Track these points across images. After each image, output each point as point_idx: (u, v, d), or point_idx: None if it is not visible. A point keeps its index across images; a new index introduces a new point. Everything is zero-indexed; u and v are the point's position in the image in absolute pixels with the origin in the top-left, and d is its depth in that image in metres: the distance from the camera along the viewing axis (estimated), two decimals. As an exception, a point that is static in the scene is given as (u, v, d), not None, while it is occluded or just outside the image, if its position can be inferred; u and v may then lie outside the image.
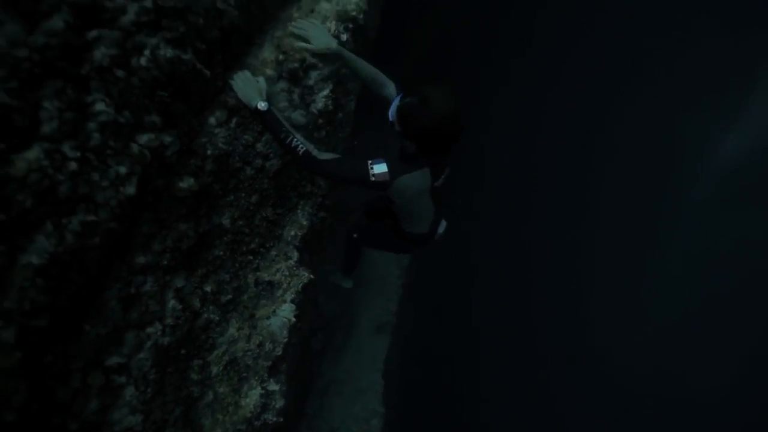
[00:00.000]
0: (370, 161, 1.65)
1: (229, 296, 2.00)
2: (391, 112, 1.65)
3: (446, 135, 1.55)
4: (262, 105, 1.64)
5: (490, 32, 5.72)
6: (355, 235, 2.52)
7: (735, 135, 7.24)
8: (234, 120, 1.82)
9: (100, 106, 1.29)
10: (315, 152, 1.63)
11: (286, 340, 2.07)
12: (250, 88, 1.71)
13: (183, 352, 1.80)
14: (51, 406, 1.31)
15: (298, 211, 2.32)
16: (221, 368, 1.99)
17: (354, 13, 2.14)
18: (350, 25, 2.15)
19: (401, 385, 6.11)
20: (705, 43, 6.76)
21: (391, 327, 6.87)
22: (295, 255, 2.21)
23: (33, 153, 1.13)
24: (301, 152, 1.62)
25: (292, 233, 2.28)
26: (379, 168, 1.64)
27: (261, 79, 1.78)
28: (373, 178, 1.63)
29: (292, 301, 2.12)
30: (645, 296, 7.92)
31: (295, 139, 1.62)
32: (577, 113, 6.67)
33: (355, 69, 1.93)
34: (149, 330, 1.63)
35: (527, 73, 6.16)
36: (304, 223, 2.30)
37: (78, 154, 1.23)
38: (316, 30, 1.94)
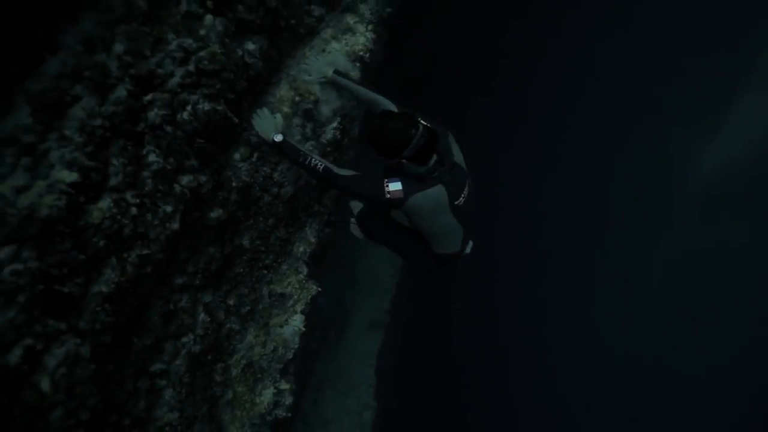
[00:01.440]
0: (386, 179, 1.77)
1: (248, 307, 2.29)
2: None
3: (395, 146, 1.71)
4: (278, 138, 1.87)
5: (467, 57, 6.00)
6: (366, 226, 2.40)
7: (717, 146, 7.65)
8: (255, 155, 2.09)
9: (152, 157, 1.56)
10: (334, 168, 1.80)
11: (297, 346, 2.38)
12: (268, 124, 1.95)
13: (209, 357, 2.10)
14: (111, 406, 1.60)
15: (307, 228, 2.61)
16: (240, 370, 2.29)
17: (362, 53, 2.41)
18: (358, 64, 2.43)
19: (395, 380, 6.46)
20: (686, 55, 7.11)
21: (384, 325, 7.20)
22: (305, 270, 2.51)
23: (105, 203, 1.41)
24: (321, 168, 1.79)
25: (302, 249, 2.57)
26: (394, 186, 1.76)
27: (278, 116, 2.04)
28: (388, 196, 1.75)
29: (303, 312, 2.42)
30: (629, 306, 8.36)
31: (313, 159, 1.81)
32: (558, 123, 6.97)
33: (353, 93, 2.17)
34: (184, 340, 1.92)
35: (506, 85, 6.42)
36: (312, 240, 2.59)
37: (137, 200, 1.50)
38: (316, 64, 2.21)
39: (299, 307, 2.44)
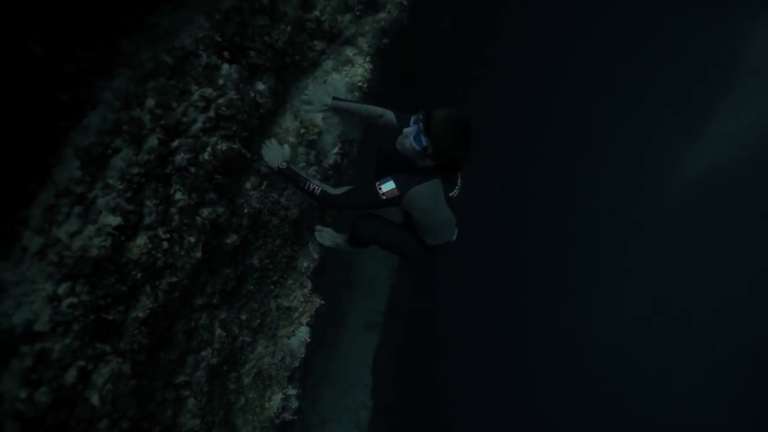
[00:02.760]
0: (377, 183, 1.89)
1: (258, 321, 2.53)
2: (415, 138, 1.82)
3: (466, 148, 1.80)
4: (283, 165, 2.11)
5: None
6: (361, 232, 2.47)
7: (700, 147, 8.01)
8: (264, 183, 2.32)
9: (178, 195, 1.79)
10: (330, 190, 2.01)
11: (303, 355, 2.63)
12: (275, 153, 2.18)
13: (225, 368, 2.34)
14: (144, 415, 1.83)
15: (309, 245, 2.85)
16: (251, 379, 2.54)
17: (360, 83, 2.64)
18: (356, 93, 2.66)
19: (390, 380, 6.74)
20: (672, 57, 7.41)
21: (380, 326, 7.49)
22: (309, 284, 2.76)
23: (141, 240, 1.64)
24: (318, 193, 2.01)
25: (305, 265, 2.81)
26: (387, 186, 1.87)
27: (286, 146, 2.28)
28: (384, 197, 1.87)
29: (308, 324, 2.67)
30: (615, 303, 8.73)
31: (312, 184, 2.03)
32: (540, 128, 7.22)
33: (353, 113, 2.43)
34: (203, 353, 2.16)
35: (489, 88, 6.62)
36: (315, 256, 2.83)
37: (167, 235, 1.73)
38: (316, 93, 2.45)
39: (304, 319, 2.68)
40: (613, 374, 8.42)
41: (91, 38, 1.62)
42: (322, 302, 2.77)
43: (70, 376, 1.47)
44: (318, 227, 2.76)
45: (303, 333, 2.63)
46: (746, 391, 7.95)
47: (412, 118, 1.92)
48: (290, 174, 2.09)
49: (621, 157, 7.58)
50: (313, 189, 2.03)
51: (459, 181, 2.05)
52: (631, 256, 8.62)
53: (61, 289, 1.43)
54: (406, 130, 1.91)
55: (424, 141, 1.80)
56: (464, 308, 7.44)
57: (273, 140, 2.26)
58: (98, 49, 1.65)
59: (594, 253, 8.29)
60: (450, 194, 1.99)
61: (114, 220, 1.52)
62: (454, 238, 2.38)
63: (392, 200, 1.90)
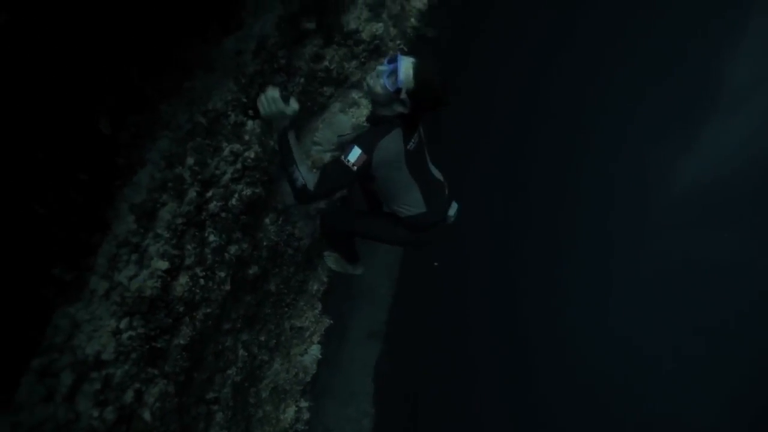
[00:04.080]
0: (342, 157, 1.82)
1: (274, 341, 2.85)
2: (388, 76, 1.80)
3: (446, 89, 1.81)
4: (284, 129, 1.94)
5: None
6: (329, 223, 2.58)
7: (695, 159, 8.38)
8: (281, 218, 2.65)
9: (212, 238, 2.11)
10: (308, 184, 1.91)
11: (315, 371, 2.95)
12: (278, 109, 1.97)
13: (246, 384, 2.66)
14: (182, 428, 2.15)
15: (319, 269, 3.18)
16: (268, 393, 2.86)
17: (365, 123, 2.97)
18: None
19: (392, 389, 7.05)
20: (667, 71, 7.78)
21: (382, 335, 7.79)
22: (319, 306, 3.08)
23: (184, 279, 1.96)
24: (299, 186, 1.92)
25: (315, 287, 3.14)
26: (353, 155, 1.80)
27: (293, 101, 2.01)
28: (355, 168, 1.79)
29: (319, 342, 2.99)
30: (611, 314, 9.05)
31: (297, 172, 1.92)
32: (533, 141, 7.55)
33: None
34: (229, 372, 2.48)
35: (479, 97, 6.93)
36: (324, 279, 3.16)
37: (203, 273, 2.05)
38: (325, 135, 2.77)
39: (316, 338, 3.01)
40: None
41: (139, 105, 1.95)
42: (331, 321, 3.09)
43: (128, 396, 1.79)
44: (326, 253, 3.08)
45: (315, 351, 2.95)
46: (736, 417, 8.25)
47: (386, 59, 1.86)
48: (284, 148, 1.96)
49: (610, 177, 7.93)
50: (296, 178, 1.94)
51: (418, 134, 1.99)
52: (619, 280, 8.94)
53: (122, 324, 1.75)
54: (379, 68, 1.86)
55: (400, 81, 1.76)
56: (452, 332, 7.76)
57: (275, 91, 1.98)
58: (145, 114, 1.98)
59: (580, 276, 8.62)
60: (407, 147, 1.94)
61: (163, 265, 1.84)
62: (452, 213, 2.30)
63: (364, 167, 1.82)
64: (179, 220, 1.93)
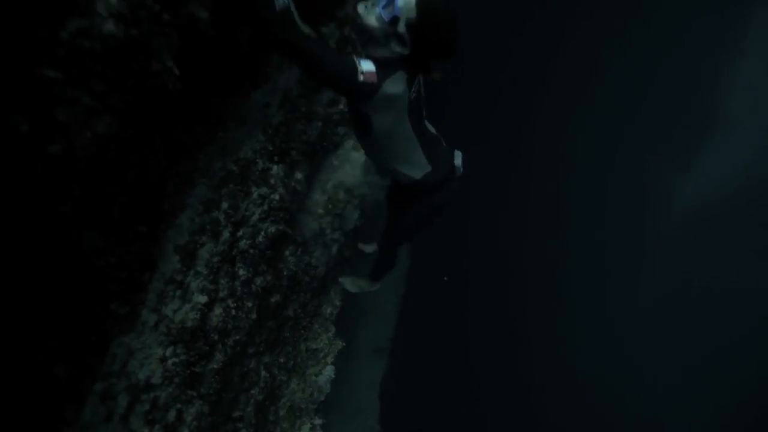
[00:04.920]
0: (355, 57, 1.49)
1: (292, 362, 3.12)
2: (385, 6, 1.50)
3: (454, 28, 1.52)
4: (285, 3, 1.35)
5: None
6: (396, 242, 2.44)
7: (689, 185, 8.62)
8: (300, 249, 2.94)
9: (241, 272, 2.40)
10: (296, 15, 1.38)
11: (329, 390, 3.21)
12: None
13: (266, 402, 2.92)
14: (212, 444, 2.42)
15: (332, 293, 3.45)
16: (285, 411, 3.12)
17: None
18: (374, 168, 3.29)
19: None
20: (667, 87, 8.06)
21: (388, 351, 8.01)
22: (333, 329, 3.35)
23: (218, 310, 2.24)
24: (310, 48, 1.39)
25: (329, 311, 3.41)
26: (368, 66, 1.47)
27: None
28: (361, 77, 1.46)
29: (332, 363, 3.25)
30: (617, 333, 9.19)
31: (310, 42, 1.43)
32: (534, 153, 7.76)
33: None
34: (252, 392, 2.74)
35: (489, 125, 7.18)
36: (338, 303, 3.43)
37: (234, 304, 2.34)
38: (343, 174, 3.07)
39: (329, 359, 3.27)
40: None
41: (181, 155, 2.25)
42: (344, 344, 3.36)
43: (171, 415, 2.06)
44: (341, 278, 3.30)
45: (329, 371, 3.21)
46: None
47: None
48: (287, 21, 1.38)
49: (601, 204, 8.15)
50: (311, 48, 1.42)
51: (418, 83, 1.69)
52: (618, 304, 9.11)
53: (168, 352, 2.03)
54: None
55: (397, 9, 1.48)
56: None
57: None
58: (184, 164, 2.29)
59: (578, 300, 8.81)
60: (410, 97, 1.66)
61: (202, 299, 2.13)
62: (459, 163, 2.05)
63: (365, 88, 1.49)
64: (215, 258, 2.22)
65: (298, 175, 2.77)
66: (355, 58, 1.49)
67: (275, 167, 2.55)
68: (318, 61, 1.43)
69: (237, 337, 2.40)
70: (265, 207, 2.48)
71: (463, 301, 8.05)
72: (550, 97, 7.48)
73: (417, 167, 1.91)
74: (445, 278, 8.23)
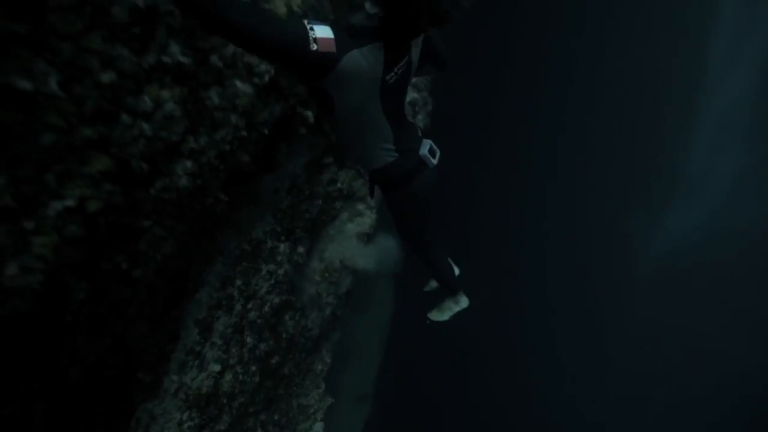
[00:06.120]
0: (306, 21, 1.23)
1: (285, 419, 3.43)
2: None
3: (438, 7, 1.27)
4: None
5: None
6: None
7: (662, 232, 9.41)
8: (297, 315, 3.32)
9: (249, 340, 2.76)
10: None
11: (318, 445, 3.51)
12: None
13: (261, 458, 3.20)
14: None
15: (323, 351, 3.81)
16: (277, 465, 3.38)
17: (367, 230, 3.74)
18: (365, 238, 3.75)
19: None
20: (636, 143, 8.90)
21: (371, 397, 8.19)
22: (323, 385, 3.68)
23: (229, 376, 2.59)
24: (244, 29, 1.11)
25: (320, 368, 3.75)
26: (322, 31, 1.21)
27: None
28: (314, 46, 1.19)
29: (322, 419, 3.56)
30: (602, 369, 9.64)
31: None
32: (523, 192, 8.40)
33: None
34: (249, 449, 3.03)
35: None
36: (328, 361, 3.78)
37: (241, 369, 2.69)
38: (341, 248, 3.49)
39: (319, 416, 3.58)
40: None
41: (202, 237, 2.66)
42: (333, 400, 3.69)
43: (184, 472, 2.36)
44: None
45: (318, 428, 3.52)
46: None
47: None
48: None
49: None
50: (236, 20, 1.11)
51: (403, 64, 1.47)
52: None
53: (185, 416, 2.36)
54: None
55: None
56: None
57: None
58: (204, 243, 2.69)
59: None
60: (387, 77, 1.42)
61: (216, 367, 2.49)
62: (424, 152, 1.76)
63: (319, 59, 1.23)
64: (229, 330, 2.60)
65: (300, 249, 3.20)
66: (306, 23, 1.22)
67: (282, 245, 2.98)
68: (251, 32, 1.13)
69: (242, 400, 2.73)
70: (272, 281, 2.88)
71: (446, 346, 8.36)
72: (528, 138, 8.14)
73: (381, 156, 1.68)
74: (428, 321, 8.58)
